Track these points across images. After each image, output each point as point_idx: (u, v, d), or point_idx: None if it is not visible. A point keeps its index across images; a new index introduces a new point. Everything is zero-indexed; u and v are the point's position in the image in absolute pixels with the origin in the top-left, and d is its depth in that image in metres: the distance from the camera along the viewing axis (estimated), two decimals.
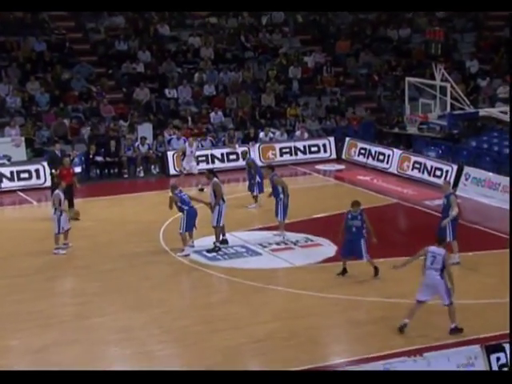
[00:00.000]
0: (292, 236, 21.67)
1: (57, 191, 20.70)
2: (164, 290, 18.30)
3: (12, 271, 19.38)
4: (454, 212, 18.92)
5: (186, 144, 27.60)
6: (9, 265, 19.89)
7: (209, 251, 20.32)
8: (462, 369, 12.68)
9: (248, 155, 25.53)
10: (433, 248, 15.80)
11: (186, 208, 20.15)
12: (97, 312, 16.95)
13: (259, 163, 27.17)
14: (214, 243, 20.41)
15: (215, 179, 20.59)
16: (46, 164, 25.94)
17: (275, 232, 21.68)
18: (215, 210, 20.34)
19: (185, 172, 27.21)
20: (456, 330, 15.68)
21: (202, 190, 26.66)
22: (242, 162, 27.35)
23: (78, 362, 14.61)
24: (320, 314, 16.69)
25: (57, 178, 22.94)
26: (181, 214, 20.29)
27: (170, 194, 20.44)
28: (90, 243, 21.43)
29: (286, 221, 21.87)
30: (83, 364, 14.49)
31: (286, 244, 21.15)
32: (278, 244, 21.15)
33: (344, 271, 18.70)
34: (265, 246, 21.00)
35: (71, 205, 23.36)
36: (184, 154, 27.27)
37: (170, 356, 15.14)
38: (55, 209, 20.46)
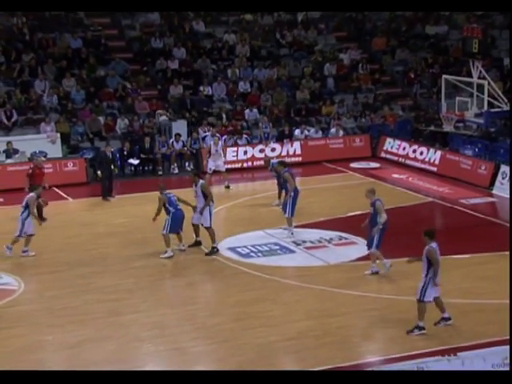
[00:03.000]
0: (326, 234, 21.71)
1: (32, 194, 20.49)
2: (197, 287, 18.43)
3: (46, 267, 19.63)
4: (381, 219, 18.47)
5: (212, 143, 27.60)
6: (43, 261, 20.14)
7: (207, 254, 20.30)
8: (497, 369, 12.61)
9: (271, 161, 25.30)
10: (435, 244, 15.73)
11: (172, 210, 20.15)
12: (130, 309, 17.11)
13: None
14: (213, 246, 20.38)
15: (201, 181, 20.65)
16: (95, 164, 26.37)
17: (284, 227, 21.75)
18: (206, 211, 20.32)
19: (210, 172, 27.14)
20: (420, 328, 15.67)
21: (228, 187, 26.79)
22: (274, 160, 27.41)
23: (112, 359, 14.78)
24: (353, 312, 16.70)
25: (30, 178, 22.99)
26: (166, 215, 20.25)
27: (159, 194, 20.45)
28: (124, 240, 21.62)
29: (321, 219, 21.99)
30: (116, 360, 14.67)
31: (318, 237, 21.18)
32: (312, 242, 21.19)
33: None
34: (298, 244, 21.05)
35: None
36: (210, 152, 27.32)
37: (202, 353, 15.25)
38: (23, 211, 20.22)
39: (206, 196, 20.39)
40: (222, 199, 25.53)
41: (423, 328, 15.71)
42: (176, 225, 20.20)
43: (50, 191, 24.12)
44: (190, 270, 19.52)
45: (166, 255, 20.05)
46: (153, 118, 31.14)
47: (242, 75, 34.12)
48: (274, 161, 25.44)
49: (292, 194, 21.66)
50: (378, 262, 19.01)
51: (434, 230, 16.25)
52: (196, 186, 20.53)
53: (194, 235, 20.82)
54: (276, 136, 31.21)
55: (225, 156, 28.23)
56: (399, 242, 21.06)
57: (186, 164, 29.75)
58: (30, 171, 23.57)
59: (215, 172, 27.27)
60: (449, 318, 16.02)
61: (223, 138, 30.15)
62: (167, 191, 20.58)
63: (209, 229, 20.44)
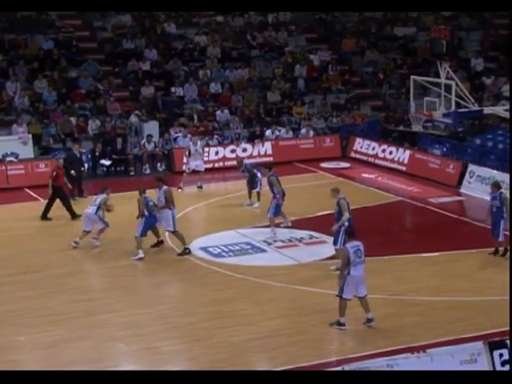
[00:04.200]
0: (297, 233, 21.78)
1: (105, 195, 21.07)
2: (170, 287, 18.44)
3: (21, 268, 19.52)
4: (344, 217, 18.67)
5: (190, 143, 27.61)
6: (18, 262, 20.03)
7: (179, 254, 20.28)
8: (465, 365, 12.74)
9: (243, 162, 25.33)
10: (351, 244, 15.79)
11: (146, 215, 20.18)
12: (104, 308, 17.06)
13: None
14: (185, 247, 20.39)
15: (165, 186, 20.62)
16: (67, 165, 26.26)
17: (269, 229, 21.86)
18: (168, 215, 20.28)
19: (188, 171, 27.16)
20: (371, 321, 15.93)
21: (200, 187, 26.90)
22: (247, 160, 27.48)
23: (86, 359, 14.74)
24: (325, 310, 16.74)
25: (54, 180, 23.38)
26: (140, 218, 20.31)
27: (138, 196, 20.45)
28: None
29: (291, 218, 22.13)
30: (90, 360, 14.63)
31: (274, 240, 21.32)
32: (283, 241, 21.27)
33: None
34: (270, 243, 21.10)
35: (69, 207, 23.54)
36: (189, 152, 27.30)
37: (175, 352, 15.25)
38: (96, 210, 20.79)
39: (167, 201, 20.36)
40: (194, 199, 25.56)
41: (343, 324, 15.82)
42: (146, 229, 20.28)
43: (21, 192, 23.98)
44: (163, 270, 19.51)
45: (137, 257, 20.03)
46: (125, 118, 31.06)
47: (213, 76, 34.13)
48: (247, 161, 25.54)
49: (278, 195, 21.71)
50: None
51: (353, 229, 16.31)
52: (159, 190, 20.46)
53: (155, 236, 20.80)
54: (247, 136, 31.27)
55: (208, 155, 28.30)
56: (369, 240, 21.10)
57: (158, 165, 29.70)
58: (54, 173, 23.71)
59: (194, 172, 27.22)
60: (371, 320, 15.98)
61: (206, 138, 30.11)
62: (147, 195, 20.53)
63: (175, 233, 20.44)
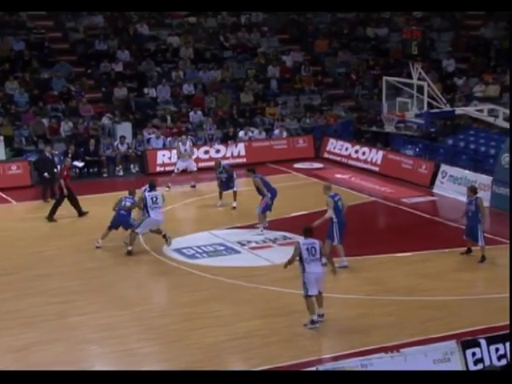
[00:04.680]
0: (271, 234, 21.81)
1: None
2: (145, 289, 18.39)
3: None
4: (327, 214, 18.96)
5: (180, 143, 27.67)
6: None
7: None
8: (438, 364, 12.85)
9: (221, 163, 25.33)
10: (305, 241, 15.94)
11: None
12: (78, 311, 17.00)
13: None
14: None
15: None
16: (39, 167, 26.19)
17: (257, 225, 21.96)
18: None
19: (177, 171, 27.22)
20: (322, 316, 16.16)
21: (194, 186, 26.97)
22: (226, 161, 27.74)
23: (58, 361, 14.67)
24: (300, 311, 16.78)
25: (65, 180, 23.56)
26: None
27: (142, 192, 20.78)
28: (71, 242, 21.46)
29: (266, 219, 22.20)
30: (63, 363, 14.56)
31: (263, 237, 21.45)
32: (257, 242, 21.30)
33: None
34: (243, 244, 21.12)
35: (77, 204, 23.75)
36: (179, 153, 27.41)
37: (150, 354, 15.22)
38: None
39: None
40: (167, 201, 25.47)
41: (316, 322, 15.97)
42: (146, 228, 20.56)
43: None
44: (137, 271, 19.48)
45: (127, 249, 20.30)
46: (98, 120, 30.95)
47: (186, 77, 34.10)
48: (225, 162, 25.57)
49: (269, 194, 21.96)
50: (345, 257, 19.32)
51: (309, 227, 16.45)
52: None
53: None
54: (220, 137, 31.27)
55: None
56: (345, 241, 21.26)
57: (131, 166, 29.62)
58: (65, 173, 23.91)
59: (183, 172, 27.29)
60: (321, 315, 16.20)
61: (168, 140, 30.15)
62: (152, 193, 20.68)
63: (134, 233, 20.51)
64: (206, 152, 30.00)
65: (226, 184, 24.57)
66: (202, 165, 29.20)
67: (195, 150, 29.81)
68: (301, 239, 16.30)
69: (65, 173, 23.95)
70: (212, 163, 27.68)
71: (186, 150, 27.39)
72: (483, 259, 19.56)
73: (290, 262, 16.22)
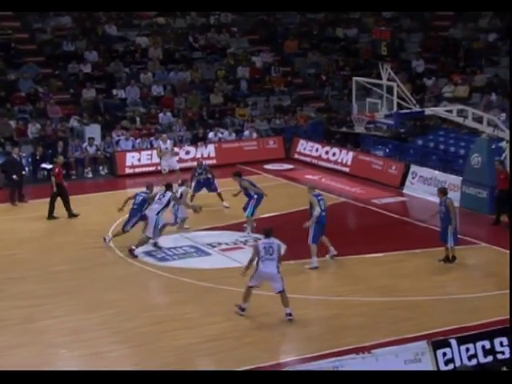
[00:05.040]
0: (242, 236, 21.78)
1: (185, 187, 21.37)
2: (114, 292, 18.26)
3: None
4: (315, 212, 19.30)
5: (160, 142, 27.63)
6: None
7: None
8: (409, 364, 12.87)
9: (203, 163, 25.28)
10: (264, 240, 16.41)
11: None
12: (46, 314, 16.84)
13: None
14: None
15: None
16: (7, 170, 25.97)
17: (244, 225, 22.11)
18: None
19: (165, 172, 27.19)
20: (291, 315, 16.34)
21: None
22: (194, 163, 27.74)
23: (27, 365, 14.49)
24: (271, 313, 16.79)
25: (56, 177, 23.62)
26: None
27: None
28: (40, 245, 21.30)
29: (235, 221, 22.16)
30: (32, 367, 14.39)
31: (233, 239, 21.49)
32: (227, 244, 21.25)
33: None
34: (214, 246, 21.06)
35: (67, 205, 23.63)
36: (161, 152, 27.32)
37: (120, 357, 15.12)
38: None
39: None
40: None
41: (243, 310, 16.47)
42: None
43: None
44: (106, 274, 19.33)
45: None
46: (66, 122, 30.73)
47: (155, 78, 33.98)
48: (205, 163, 25.51)
49: (256, 196, 22.05)
50: (316, 258, 19.45)
51: (269, 228, 16.85)
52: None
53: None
54: (190, 139, 31.17)
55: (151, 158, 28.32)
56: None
57: (100, 168, 29.44)
58: (57, 170, 23.92)
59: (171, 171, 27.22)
60: (289, 314, 16.39)
61: (137, 141, 30.01)
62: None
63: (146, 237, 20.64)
64: (176, 154, 29.81)
65: (202, 186, 24.46)
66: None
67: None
68: (261, 239, 16.57)
69: (56, 170, 23.95)
70: (183, 165, 27.66)
71: (167, 148, 27.37)
72: (447, 259, 19.53)
73: (249, 262, 16.59)
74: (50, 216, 23.52)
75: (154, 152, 29.53)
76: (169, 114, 32.23)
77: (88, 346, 15.37)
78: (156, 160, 29.41)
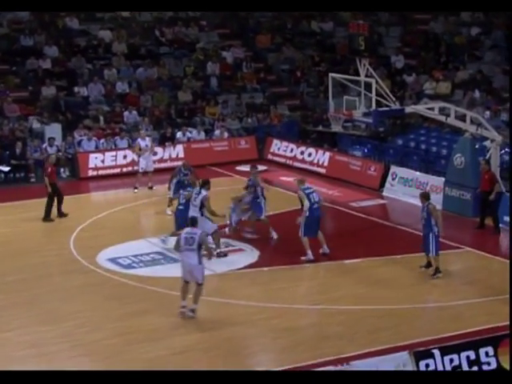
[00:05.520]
0: (212, 242, 21.66)
1: (206, 193, 20.71)
2: (76, 302, 18.13)
3: None
4: (304, 206, 20.08)
5: (139, 139, 27.52)
6: None
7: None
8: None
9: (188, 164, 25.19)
10: (188, 229, 16.93)
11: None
12: (2, 327, 16.67)
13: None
14: None
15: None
16: None
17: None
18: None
19: (142, 171, 27.17)
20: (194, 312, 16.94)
21: (151, 187, 26.97)
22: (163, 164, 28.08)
23: None
24: (243, 323, 16.77)
25: (49, 177, 23.90)
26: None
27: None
28: None
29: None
30: None
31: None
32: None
33: None
34: None
35: (60, 205, 23.92)
36: (140, 150, 27.21)
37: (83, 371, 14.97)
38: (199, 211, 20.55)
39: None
40: (101, 206, 25.25)
41: (183, 307, 16.95)
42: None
43: None
44: (67, 283, 19.18)
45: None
46: (24, 121, 30.53)
47: (119, 75, 33.86)
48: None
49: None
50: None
51: (195, 217, 17.67)
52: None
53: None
54: (157, 139, 31.05)
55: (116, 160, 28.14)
56: (288, 248, 21.29)
57: (62, 170, 29.24)
58: (49, 170, 24.14)
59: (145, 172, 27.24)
60: (193, 311, 16.89)
61: (101, 142, 29.86)
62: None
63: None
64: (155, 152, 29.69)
65: (184, 189, 24.27)
66: (136, 168, 28.98)
67: (130, 152, 29.52)
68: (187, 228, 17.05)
69: (49, 170, 24.11)
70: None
71: (147, 146, 27.32)
72: (429, 265, 19.43)
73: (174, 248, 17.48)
74: (47, 218, 23.60)
75: (120, 153, 29.48)
76: (134, 112, 32.12)
77: (47, 361, 15.21)
78: (121, 161, 29.36)
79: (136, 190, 26.68)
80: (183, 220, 20.07)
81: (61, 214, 23.95)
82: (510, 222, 21.81)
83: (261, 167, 30.15)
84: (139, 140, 27.57)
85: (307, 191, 20.36)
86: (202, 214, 20.41)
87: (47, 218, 23.68)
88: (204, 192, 20.68)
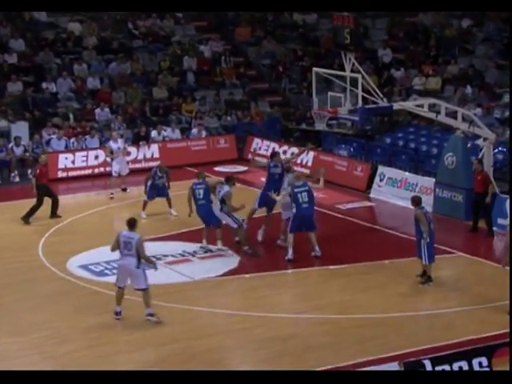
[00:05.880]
0: (190, 246, 21.71)
1: (228, 189, 21.04)
2: (44, 312, 18.08)
3: None
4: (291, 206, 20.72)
5: (111, 141, 27.24)
6: None
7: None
8: None
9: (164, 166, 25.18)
10: (125, 233, 17.07)
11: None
12: None
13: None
14: None
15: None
16: None
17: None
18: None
19: (115, 175, 26.90)
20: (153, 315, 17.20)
21: (125, 189, 26.90)
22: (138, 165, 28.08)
23: None
24: (223, 333, 16.78)
25: (38, 178, 24.01)
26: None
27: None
28: None
29: (183, 230, 22.16)
30: None
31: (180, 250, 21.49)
32: (174, 256, 21.17)
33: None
34: (159, 258, 20.93)
35: (56, 206, 24.02)
36: (112, 153, 26.93)
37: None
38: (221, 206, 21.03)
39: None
40: (71, 210, 25.17)
41: (117, 313, 17.33)
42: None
43: None
44: (36, 292, 19.11)
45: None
46: None
47: (90, 70, 33.80)
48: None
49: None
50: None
51: (133, 220, 17.45)
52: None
53: None
54: (131, 138, 31.01)
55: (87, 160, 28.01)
56: (270, 253, 21.32)
57: (29, 171, 29.11)
58: (38, 171, 24.17)
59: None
60: (151, 314, 17.18)
61: (71, 141, 29.76)
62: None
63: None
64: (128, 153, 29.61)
65: (158, 192, 24.26)
66: (109, 169, 28.92)
67: (102, 152, 29.44)
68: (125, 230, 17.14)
69: (37, 171, 24.17)
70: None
71: (119, 148, 26.97)
72: (424, 274, 19.36)
73: (112, 250, 17.50)
74: (25, 219, 23.68)
75: (91, 153, 29.41)
76: (106, 110, 32.07)
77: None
78: (93, 162, 29.30)
79: (112, 196, 26.53)
80: (208, 214, 21.04)
81: (54, 215, 24.10)
82: (511, 224, 21.84)
83: (241, 168, 30.30)
84: (111, 142, 27.27)
85: (296, 190, 20.59)
86: (222, 209, 20.86)
87: (26, 219, 23.65)
88: (226, 188, 21.07)
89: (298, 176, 21.45)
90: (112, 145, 27.10)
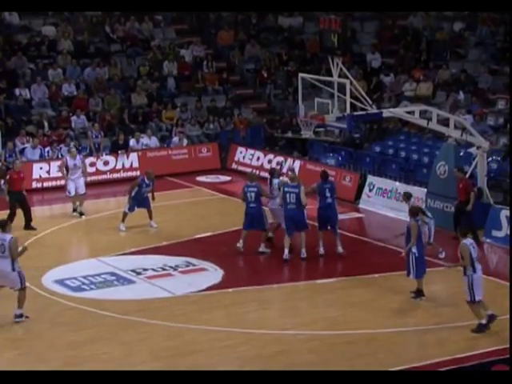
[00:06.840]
0: (171, 260, 21.77)
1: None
2: (18, 329, 18.08)
3: None
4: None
5: (67, 157, 26.45)
6: None
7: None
8: None
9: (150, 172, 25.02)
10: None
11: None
12: None
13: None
14: None
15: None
16: None
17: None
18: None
19: (70, 195, 25.86)
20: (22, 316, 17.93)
21: (81, 214, 25.86)
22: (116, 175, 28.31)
23: None
24: (206, 350, 16.80)
25: (9, 184, 24.30)
26: None
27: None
28: None
29: (164, 243, 22.20)
30: None
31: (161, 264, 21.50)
32: (154, 270, 21.22)
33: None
34: (139, 273, 21.01)
35: (28, 217, 24.28)
36: (67, 169, 25.95)
37: None
38: None
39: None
40: (47, 222, 25.19)
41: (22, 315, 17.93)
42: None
43: None
44: (6, 308, 19.00)
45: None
46: None
47: (66, 75, 33.82)
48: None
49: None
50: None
51: (6, 220, 18.26)
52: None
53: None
54: (109, 146, 31.04)
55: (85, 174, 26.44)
56: (253, 266, 21.41)
57: (2, 182, 29.12)
58: (8, 177, 24.72)
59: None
60: (19, 315, 17.91)
61: (46, 150, 29.77)
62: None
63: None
64: (92, 164, 29.66)
65: (142, 201, 24.18)
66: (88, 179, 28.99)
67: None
68: None
69: (7, 177, 24.57)
70: (102, 177, 27.58)
71: (75, 165, 25.83)
72: (417, 294, 19.41)
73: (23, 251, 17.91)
74: (27, 227, 24.27)
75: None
76: (83, 117, 32.10)
77: None
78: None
79: (74, 214, 25.86)
80: (257, 217, 21.89)
81: (28, 227, 24.30)
82: (511, 234, 21.98)
83: (224, 178, 30.38)
84: (67, 158, 26.26)
85: (286, 189, 21.52)
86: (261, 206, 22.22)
87: (28, 227, 24.22)
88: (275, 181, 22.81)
89: (292, 178, 22.24)
90: (68, 161, 26.06)
